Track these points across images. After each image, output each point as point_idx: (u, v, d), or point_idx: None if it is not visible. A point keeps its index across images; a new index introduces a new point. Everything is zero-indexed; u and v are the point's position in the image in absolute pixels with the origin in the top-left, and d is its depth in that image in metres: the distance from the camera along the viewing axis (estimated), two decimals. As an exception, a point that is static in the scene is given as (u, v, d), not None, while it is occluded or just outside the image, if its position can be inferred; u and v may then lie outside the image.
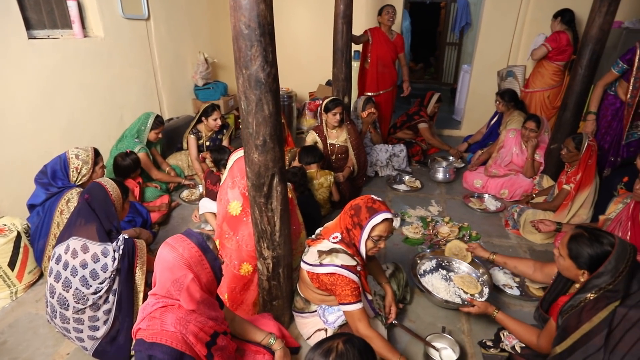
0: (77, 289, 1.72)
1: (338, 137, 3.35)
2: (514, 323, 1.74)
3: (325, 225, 1.84)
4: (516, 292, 2.28)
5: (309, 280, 1.73)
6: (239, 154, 1.92)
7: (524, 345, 1.73)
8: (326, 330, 1.80)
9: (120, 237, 1.83)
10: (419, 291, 2.22)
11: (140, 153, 3.06)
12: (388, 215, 1.62)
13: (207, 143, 3.66)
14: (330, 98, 3.26)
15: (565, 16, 3.83)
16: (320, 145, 3.35)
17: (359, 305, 1.61)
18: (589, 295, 1.34)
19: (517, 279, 2.38)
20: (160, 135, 3.39)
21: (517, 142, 3.50)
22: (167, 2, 3.98)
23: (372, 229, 1.61)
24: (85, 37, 3.08)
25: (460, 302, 2.01)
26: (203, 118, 3.59)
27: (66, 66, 2.88)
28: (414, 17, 7.68)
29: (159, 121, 3.34)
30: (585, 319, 1.32)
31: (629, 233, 2.15)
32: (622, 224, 2.20)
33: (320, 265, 1.65)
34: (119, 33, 3.36)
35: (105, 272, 1.74)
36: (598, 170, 2.79)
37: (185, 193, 3.44)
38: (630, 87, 2.85)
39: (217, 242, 2.07)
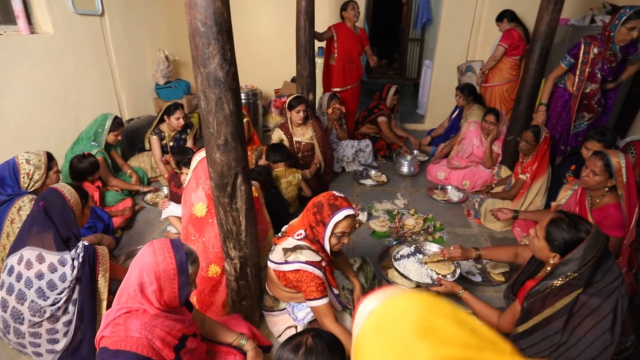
0: (32, 301, 1.63)
1: (304, 135, 3.35)
2: (477, 303, 1.84)
3: (290, 222, 1.85)
4: (478, 278, 2.39)
5: (276, 278, 1.74)
6: (202, 154, 1.89)
7: None
8: (296, 327, 1.81)
9: (80, 244, 1.75)
10: (387, 283, 2.28)
11: (98, 157, 2.93)
12: (350, 212, 1.64)
13: (171, 143, 3.57)
14: (293, 96, 3.26)
15: (508, 16, 4.09)
16: (286, 142, 3.34)
17: (324, 301, 1.63)
18: (555, 282, 1.40)
19: (479, 266, 2.49)
20: (119, 137, 3.26)
21: (477, 134, 3.64)
22: (122, -2, 3.83)
23: (335, 225, 1.63)
24: (32, 33, 2.90)
25: (430, 283, 2.07)
26: (165, 117, 3.49)
27: (12, 65, 2.70)
28: (377, 13, 7.80)
29: (117, 123, 3.21)
30: (548, 304, 1.39)
31: (578, 217, 2.29)
32: (571, 209, 2.35)
33: (286, 262, 1.66)
34: (70, 29, 3.19)
35: (63, 282, 1.67)
36: (550, 160, 2.96)
37: (149, 195, 3.33)
38: (576, 80, 3.03)
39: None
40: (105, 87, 3.70)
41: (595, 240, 1.37)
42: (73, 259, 1.70)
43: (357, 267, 2.13)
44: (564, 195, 2.46)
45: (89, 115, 3.32)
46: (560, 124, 3.30)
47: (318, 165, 3.38)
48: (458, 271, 2.15)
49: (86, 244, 1.78)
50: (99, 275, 1.81)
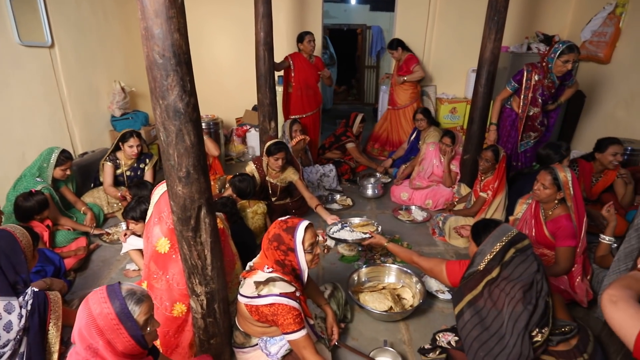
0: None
1: (278, 177, 3.28)
2: (400, 250, 2.23)
3: (254, 260, 1.81)
4: (448, 296, 2.42)
5: (248, 313, 1.67)
6: (163, 187, 1.82)
7: (457, 338, 1.83)
8: (269, 362, 1.74)
9: (29, 290, 1.60)
10: (358, 308, 2.26)
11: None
12: (305, 223, 1.67)
13: (128, 172, 3.41)
14: (273, 141, 3.14)
15: (402, 44, 4.67)
16: (257, 179, 3.23)
17: (303, 332, 1.58)
18: (478, 268, 1.67)
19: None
20: (68, 172, 3.05)
21: (436, 154, 3.79)
22: (74, 28, 3.72)
23: (302, 243, 1.64)
24: (-27, 66, 2.74)
25: (362, 237, 2.47)
26: (121, 144, 3.35)
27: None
28: (334, 43, 8.10)
29: (64, 156, 3.01)
30: (473, 286, 1.67)
31: (534, 230, 2.42)
32: (527, 222, 2.48)
33: (259, 296, 1.60)
34: (15, 62, 3.04)
35: (8, 332, 1.51)
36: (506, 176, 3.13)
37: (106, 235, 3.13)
38: (521, 103, 3.27)
39: (145, 284, 1.92)
40: (56, 120, 3.53)
41: (501, 232, 1.67)
42: (21, 307, 1.55)
43: (328, 294, 2.09)
44: (520, 210, 2.59)
45: (36, 151, 3.12)
46: (510, 141, 3.53)
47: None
48: (380, 228, 2.64)
49: (36, 290, 1.64)
50: (50, 325, 1.66)
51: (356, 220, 2.77)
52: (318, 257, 1.73)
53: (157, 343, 1.86)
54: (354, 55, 9.13)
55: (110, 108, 4.28)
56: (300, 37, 4.12)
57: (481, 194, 3.02)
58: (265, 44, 3.38)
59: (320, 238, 2.99)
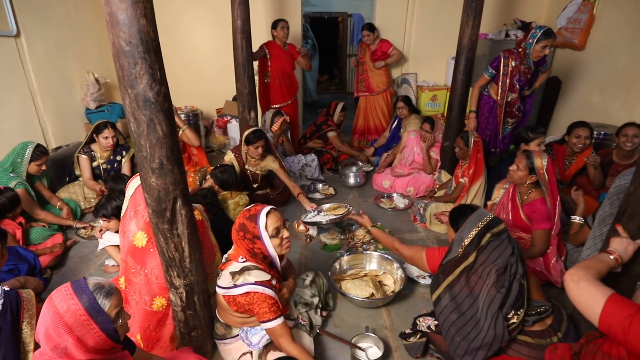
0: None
1: (258, 166, 3.27)
2: (383, 236, 2.21)
3: (229, 252, 1.80)
4: (429, 281, 2.45)
5: (226, 304, 1.66)
6: (138, 180, 1.78)
7: (437, 322, 1.87)
8: (251, 353, 1.74)
9: (-1, 289, 1.55)
10: (341, 295, 2.27)
11: (18, 189, 2.66)
12: (267, 208, 1.68)
13: (104, 165, 3.32)
14: (252, 130, 3.13)
15: (371, 29, 4.63)
16: (237, 168, 3.22)
17: (279, 321, 1.59)
18: (454, 256, 1.70)
19: (428, 269, 2.57)
20: (44, 167, 2.97)
21: (417, 142, 3.82)
22: (42, 16, 3.56)
23: (266, 229, 1.64)
24: None
25: (342, 214, 2.67)
26: (95, 136, 3.26)
27: None
28: (315, 31, 8.01)
29: (40, 151, 2.92)
30: (450, 272, 1.70)
31: (511, 214, 2.47)
32: (504, 207, 2.53)
33: (235, 286, 1.59)
34: (-22, 53, 2.91)
35: (-22, 334, 1.46)
36: (485, 162, 3.18)
37: (84, 230, 3.06)
38: (499, 90, 3.30)
39: (122, 280, 1.89)
40: (26, 113, 3.40)
41: (477, 218, 1.69)
42: (-9, 308, 1.50)
43: (309, 281, 2.10)
44: (498, 194, 2.64)
45: (7, 145, 3.01)
46: (488, 128, 3.57)
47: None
48: (352, 210, 2.75)
49: (7, 289, 1.58)
50: (24, 324, 1.61)
51: (327, 205, 2.98)
52: (288, 241, 1.74)
53: (138, 337, 1.84)
54: (335, 43, 9.05)
55: (85, 100, 4.15)
56: (274, 24, 4.09)
57: (460, 179, 3.07)
58: (242, 32, 3.32)
59: (302, 227, 2.99)
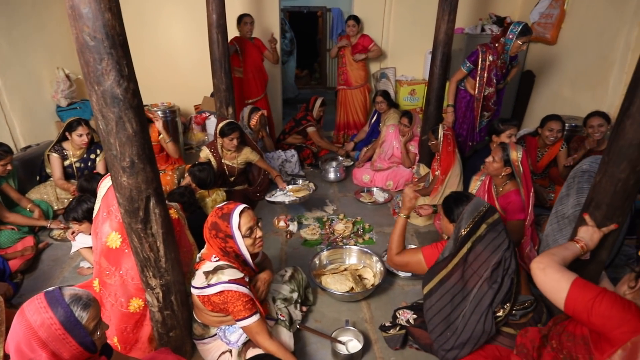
0: None
1: (234, 159, 3.24)
2: (398, 239, 1.97)
3: (202, 251, 1.78)
4: (408, 273, 2.49)
5: (201, 304, 1.64)
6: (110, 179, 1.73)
7: (416, 316, 1.90)
8: (231, 351, 1.73)
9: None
10: (321, 290, 2.28)
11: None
12: (240, 207, 1.65)
13: (77, 164, 3.22)
14: (225, 122, 3.11)
15: (357, 20, 4.64)
16: (214, 163, 3.20)
17: (255, 318, 1.58)
18: (450, 253, 1.68)
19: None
20: (9, 167, 2.83)
21: (396, 136, 3.85)
22: (6, 9, 3.41)
23: (239, 228, 1.62)
24: None
25: (294, 199, 3.02)
26: (68, 134, 3.15)
27: None
28: (294, 26, 7.94)
29: (3, 150, 2.78)
30: (444, 266, 1.70)
31: (487, 205, 2.52)
32: (481, 198, 2.57)
33: (209, 286, 1.58)
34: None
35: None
36: (461, 155, 3.23)
37: (56, 231, 2.97)
38: (477, 84, 3.36)
39: (96, 282, 1.84)
40: (-9, 112, 3.26)
41: (474, 208, 1.68)
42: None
43: (288, 276, 2.10)
44: (474, 186, 2.69)
45: (-29, 146, 2.89)
46: (466, 122, 3.63)
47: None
48: (312, 188, 3.10)
49: (-28, 295, 1.53)
50: (-9, 330, 1.56)
51: (291, 186, 3.27)
52: (261, 240, 1.72)
53: (115, 340, 1.80)
54: (315, 38, 9.00)
55: (55, 97, 4.01)
56: (238, 20, 4.10)
57: (436, 172, 3.11)
58: (218, 26, 3.26)
59: (282, 224, 2.98)
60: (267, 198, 3.10)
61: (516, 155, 2.32)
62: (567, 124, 3.41)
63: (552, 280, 1.28)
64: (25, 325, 1.04)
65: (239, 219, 1.62)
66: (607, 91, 3.50)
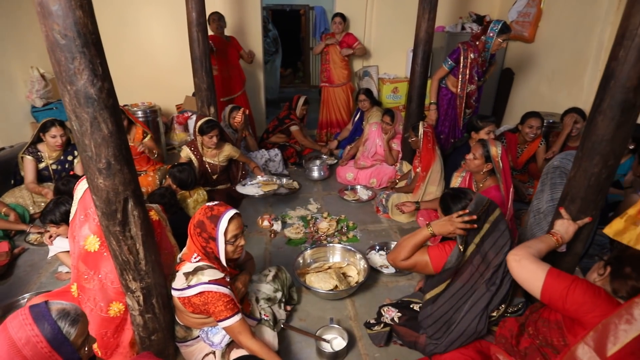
0: None
1: (216, 156, 3.22)
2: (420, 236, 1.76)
3: (182, 251, 1.75)
4: (392, 270, 2.51)
5: (182, 306, 1.62)
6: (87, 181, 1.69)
7: (400, 315, 1.92)
8: (214, 353, 1.71)
9: None
10: (306, 289, 2.28)
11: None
12: (231, 213, 1.62)
13: (54, 166, 3.13)
14: (204, 119, 3.08)
15: (344, 17, 4.65)
16: (195, 162, 3.17)
17: (237, 318, 1.57)
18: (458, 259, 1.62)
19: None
20: (-19, 171, 2.76)
21: (379, 134, 3.87)
22: (-25, 8, 3.30)
23: (225, 233, 1.60)
24: None
25: (261, 193, 3.08)
26: (42, 135, 3.05)
27: None
28: (277, 24, 7.90)
29: None
30: (451, 274, 1.64)
31: (467, 201, 2.56)
32: (462, 195, 2.61)
33: (189, 287, 1.56)
34: None
35: None
36: (442, 152, 3.27)
37: (33, 235, 2.88)
38: (460, 82, 3.40)
39: (74, 287, 1.80)
40: (-39, 113, 3.15)
41: (475, 207, 1.62)
42: None
43: (272, 276, 2.09)
44: (456, 182, 2.72)
45: (-60, 149, 2.78)
46: (448, 119, 3.67)
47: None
48: (278, 181, 3.26)
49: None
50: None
51: (262, 179, 3.35)
52: (241, 249, 1.70)
53: (95, 346, 1.76)
54: (298, 36, 8.97)
55: (30, 98, 3.90)
56: (208, 18, 4.06)
57: (417, 170, 3.14)
58: (198, 24, 3.21)
59: (267, 223, 2.97)
60: (240, 190, 3.13)
61: (496, 151, 2.36)
62: (545, 120, 3.49)
63: (529, 271, 1.34)
64: (8, 342, 0.99)
65: (227, 225, 1.59)
66: (583, 88, 3.60)
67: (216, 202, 1.68)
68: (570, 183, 1.61)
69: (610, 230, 1.48)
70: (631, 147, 2.72)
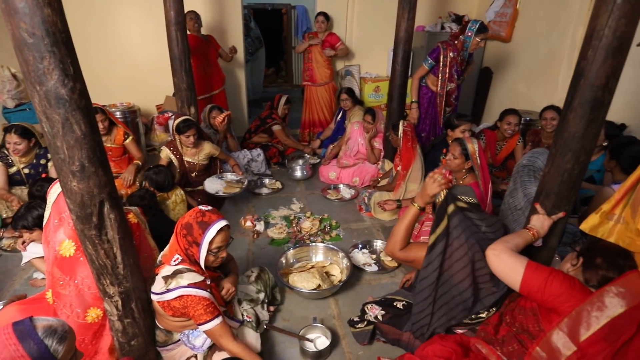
0: None
1: (195, 155, 3.18)
2: (406, 226, 1.74)
3: (163, 252, 1.73)
4: (375, 268, 2.53)
5: (162, 309, 1.60)
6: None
7: (384, 312, 1.93)
8: (196, 356, 1.69)
9: None
10: (289, 289, 2.28)
11: None
12: (222, 224, 1.60)
13: (26, 170, 3.02)
14: (181, 119, 3.05)
15: (327, 16, 4.66)
16: (175, 162, 3.14)
17: (217, 321, 1.55)
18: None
19: (374, 257, 2.65)
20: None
21: (361, 133, 3.89)
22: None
23: (210, 242, 1.57)
24: None
25: (235, 193, 3.07)
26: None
27: None
28: (259, 24, 7.84)
29: None
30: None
31: (448, 199, 2.60)
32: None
33: (168, 291, 1.53)
34: None
35: None
36: (423, 150, 3.31)
37: (6, 241, 2.78)
38: (439, 80, 3.44)
39: (50, 293, 1.75)
40: None
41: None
42: None
43: (254, 277, 2.08)
44: (435, 181, 2.76)
45: None
46: (428, 117, 3.72)
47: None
48: (245, 182, 3.21)
49: None
50: None
51: (230, 177, 3.31)
52: (222, 260, 1.69)
53: (72, 353, 1.72)
54: (280, 36, 8.93)
55: (1, 98, 3.76)
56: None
57: (398, 168, 3.17)
58: (176, 23, 3.15)
59: (249, 224, 2.95)
60: (205, 182, 3.13)
61: (473, 147, 2.40)
62: (522, 118, 3.58)
63: (507, 265, 1.39)
64: None
65: (214, 235, 1.57)
66: (557, 86, 3.70)
67: (209, 208, 1.65)
68: (544, 179, 1.65)
69: (586, 225, 1.57)
70: (604, 143, 2.81)
